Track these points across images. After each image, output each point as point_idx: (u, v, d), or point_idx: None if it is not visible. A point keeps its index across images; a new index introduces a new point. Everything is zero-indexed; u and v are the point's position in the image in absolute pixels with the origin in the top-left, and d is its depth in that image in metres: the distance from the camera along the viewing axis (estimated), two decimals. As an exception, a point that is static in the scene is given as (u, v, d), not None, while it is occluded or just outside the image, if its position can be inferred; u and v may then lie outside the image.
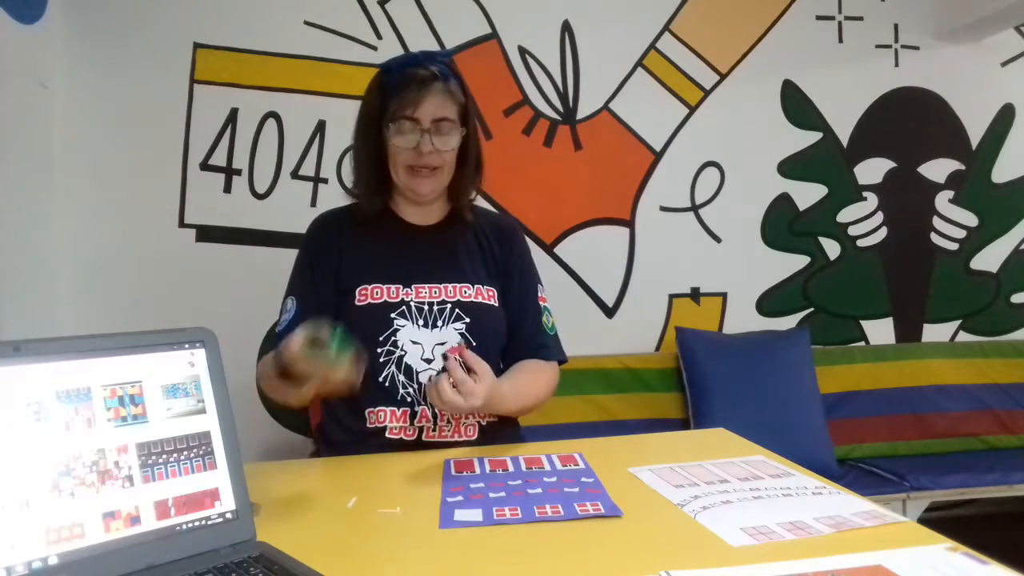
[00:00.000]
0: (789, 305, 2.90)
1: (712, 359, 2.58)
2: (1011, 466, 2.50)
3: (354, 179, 1.41)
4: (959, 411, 2.75)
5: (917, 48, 2.95)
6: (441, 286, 1.35)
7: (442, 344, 1.32)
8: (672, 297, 2.82)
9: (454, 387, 1.15)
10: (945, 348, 2.91)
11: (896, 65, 2.94)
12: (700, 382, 2.55)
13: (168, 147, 2.49)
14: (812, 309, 2.91)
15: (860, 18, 2.91)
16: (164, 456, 0.79)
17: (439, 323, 1.33)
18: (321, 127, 2.57)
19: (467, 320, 1.33)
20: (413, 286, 1.34)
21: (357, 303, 1.33)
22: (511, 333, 1.42)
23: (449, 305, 1.34)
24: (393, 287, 1.34)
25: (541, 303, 1.46)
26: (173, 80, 2.48)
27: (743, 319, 2.84)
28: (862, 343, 2.94)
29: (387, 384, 1.31)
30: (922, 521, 0.92)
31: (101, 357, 0.77)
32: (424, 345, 1.31)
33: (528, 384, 1.38)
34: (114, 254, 2.44)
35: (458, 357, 1.20)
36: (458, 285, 1.36)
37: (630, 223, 2.79)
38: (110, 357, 0.78)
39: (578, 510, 0.94)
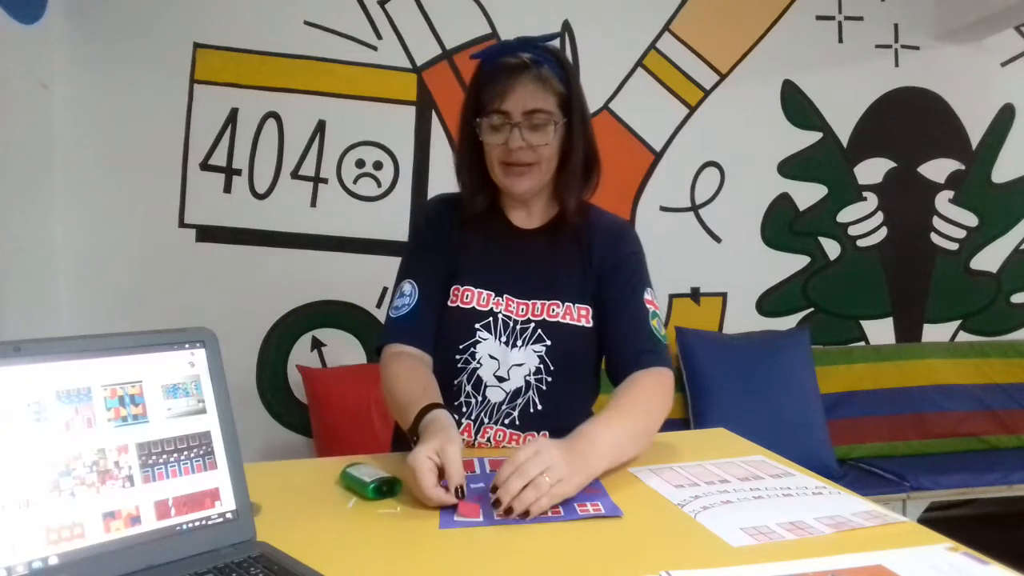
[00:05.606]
0: (789, 305, 2.90)
1: (712, 359, 2.58)
2: (1011, 466, 2.51)
3: (456, 177, 1.34)
4: (959, 411, 2.76)
5: (917, 48, 2.95)
6: (530, 303, 1.27)
7: (519, 365, 1.25)
8: (672, 297, 2.82)
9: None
10: (945, 348, 2.91)
11: (896, 65, 2.94)
12: (700, 382, 2.55)
13: (168, 147, 2.49)
14: (812, 309, 2.91)
15: (860, 18, 2.91)
16: (164, 456, 0.79)
17: (519, 342, 1.26)
18: (321, 127, 2.57)
19: (548, 343, 1.26)
20: (504, 296, 1.28)
21: (449, 303, 1.28)
22: (612, 335, 1.29)
23: (533, 324, 1.27)
24: (485, 294, 1.28)
25: (649, 306, 1.33)
26: (173, 80, 2.49)
27: (743, 319, 2.84)
28: (862, 343, 2.94)
29: (451, 390, 1.25)
30: (922, 521, 0.92)
31: (101, 357, 0.77)
32: (500, 362, 1.26)
33: (642, 414, 1.16)
34: (115, 254, 2.45)
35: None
36: (547, 303, 1.28)
37: (630, 223, 2.78)
38: (110, 357, 0.78)
39: (578, 510, 0.94)
